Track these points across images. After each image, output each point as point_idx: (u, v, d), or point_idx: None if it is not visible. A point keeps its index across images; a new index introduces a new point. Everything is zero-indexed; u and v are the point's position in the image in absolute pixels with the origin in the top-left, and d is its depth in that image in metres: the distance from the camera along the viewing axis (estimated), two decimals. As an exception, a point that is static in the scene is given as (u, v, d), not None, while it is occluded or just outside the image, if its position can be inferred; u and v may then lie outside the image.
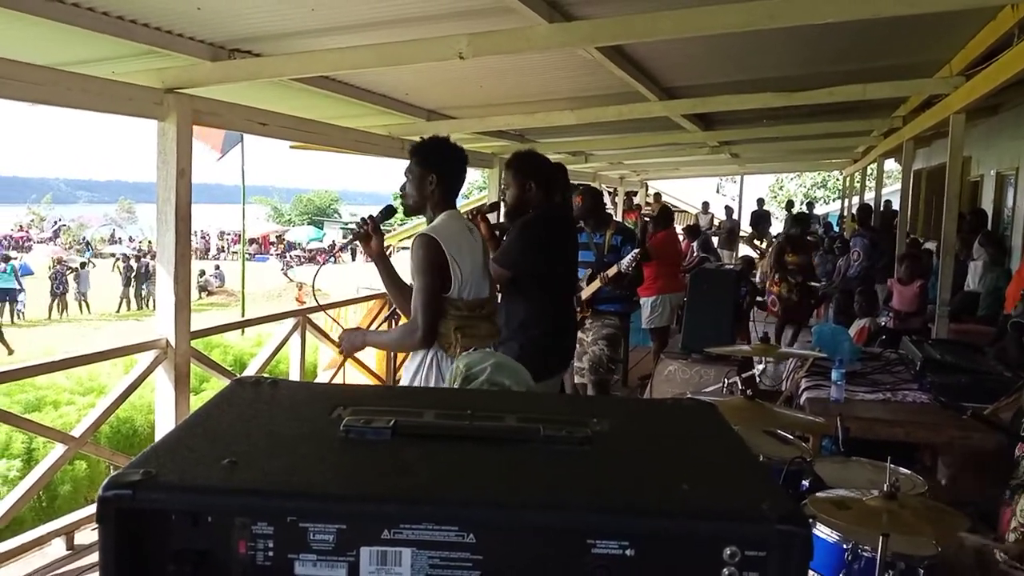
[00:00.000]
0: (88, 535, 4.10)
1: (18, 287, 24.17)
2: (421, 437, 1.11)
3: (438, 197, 3.07)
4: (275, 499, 0.93)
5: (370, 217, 3.21)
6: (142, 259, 29.52)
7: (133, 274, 28.34)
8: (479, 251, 3.10)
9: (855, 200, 15.79)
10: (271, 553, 0.93)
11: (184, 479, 0.94)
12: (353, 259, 38.29)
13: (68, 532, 4.06)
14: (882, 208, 13.13)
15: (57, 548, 4.01)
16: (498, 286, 3.73)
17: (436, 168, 3.08)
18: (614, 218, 6.08)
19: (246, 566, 0.93)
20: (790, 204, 21.09)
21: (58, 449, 4.16)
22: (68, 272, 27.08)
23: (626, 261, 5.07)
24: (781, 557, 0.90)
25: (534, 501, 0.94)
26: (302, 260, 41.51)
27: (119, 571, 0.92)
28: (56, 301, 26.02)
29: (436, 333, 2.92)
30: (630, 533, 0.91)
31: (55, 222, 50.14)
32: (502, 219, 4.00)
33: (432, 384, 2.90)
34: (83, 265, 28.75)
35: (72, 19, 3.40)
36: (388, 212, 3.35)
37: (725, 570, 0.91)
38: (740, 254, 16.57)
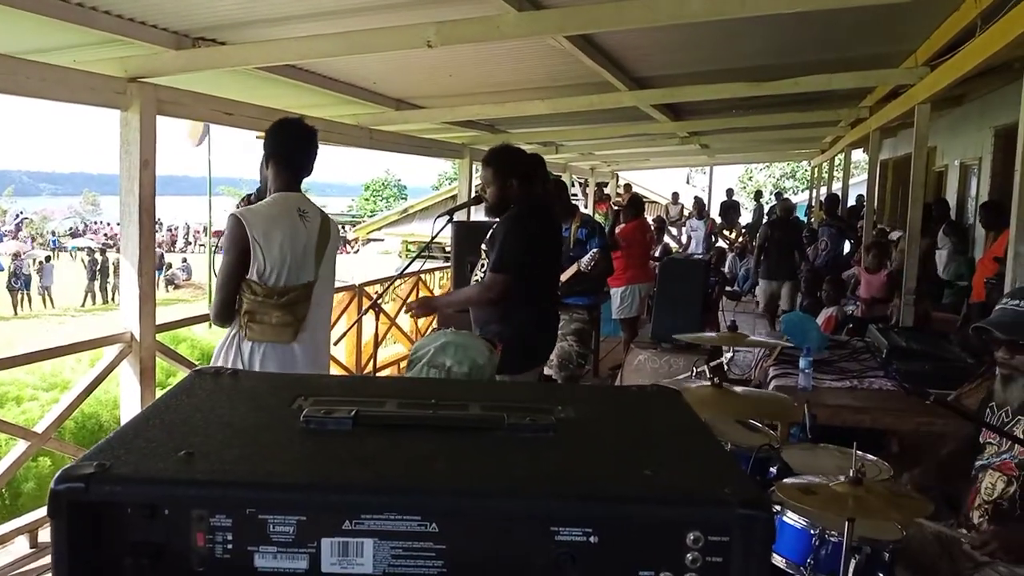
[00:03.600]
0: (52, 532, 4.04)
1: None
2: (383, 427, 1.09)
3: (273, 178, 3.10)
4: (233, 490, 0.91)
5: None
6: (107, 252, 29.07)
7: (98, 267, 27.89)
8: (303, 238, 3.05)
9: (823, 191, 15.95)
10: (230, 545, 0.91)
11: (139, 471, 0.92)
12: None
13: (32, 530, 4.00)
14: (853, 201, 13.37)
15: (20, 546, 3.95)
16: (481, 274, 3.72)
17: (268, 149, 3.11)
18: (580, 210, 6.06)
19: (205, 558, 0.91)
20: (758, 194, 21.26)
21: (20, 445, 4.09)
22: (31, 267, 26.65)
23: (585, 260, 5.05)
24: (744, 541, 0.90)
25: (497, 489, 0.93)
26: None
27: (73, 566, 0.90)
28: (16, 296, 25.58)
29: (228, 314, 3.00)
30: (593, 519, 0.91)
31: (17, 215, 49.20)
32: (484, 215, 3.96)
33: (230, 363, 2.99)
34: (48, 259, 28.27)
35: (31, 5, 3.33)
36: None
37: (689, 555, 0.91)
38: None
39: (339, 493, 0.92)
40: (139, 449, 0.98)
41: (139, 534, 0.91)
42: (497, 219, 3.81)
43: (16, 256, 27.46)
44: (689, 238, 14.40)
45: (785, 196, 17.04)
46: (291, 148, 3.13)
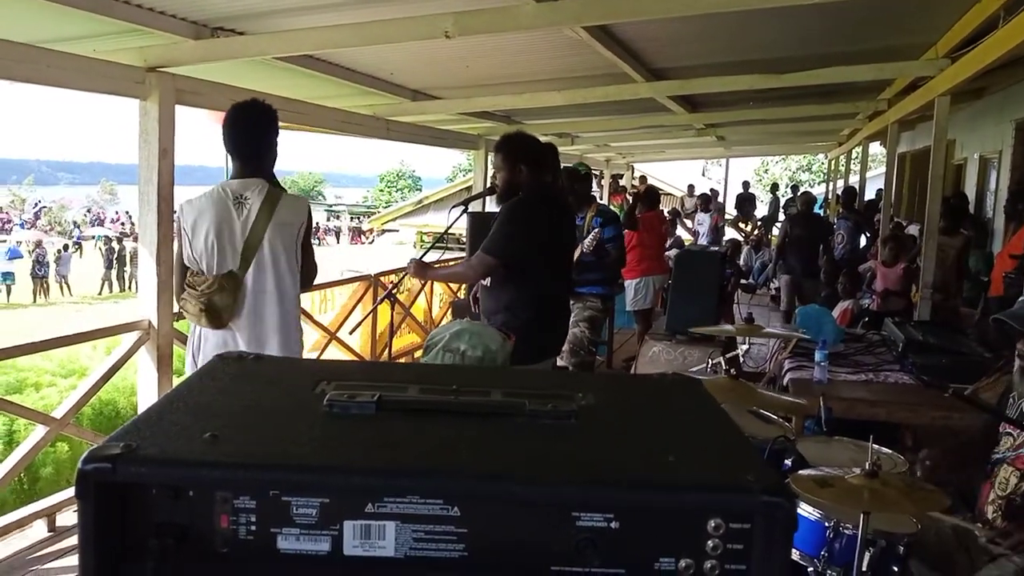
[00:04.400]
0: (70, 516, 4.08)
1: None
2: (406, 411, 1.10)
3: (230, 164, 3.19)
4: (257, 472, 0.92)
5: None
6: (124, 241, 29.26)
7: (115, 256, 28.07)
8: (233, 227, 3.05)
9: (840, 184, 15.85)
10: (254, 527, 0.92)
11: (165, 452, 0.93)
12: (338, 241, 38.17)
13: (50, 514, 4.04)
14: (872, 194, 13.28)
15: (39, 530, 3.99)
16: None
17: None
18: (596, 200, 6.04)
19: (228, 540, 0.92)
20: (774, 187, 21.15)
21: (39, 430, 4.14)
22: (49, 255, 26.89)
23: (587, 241, 5.04)
24: (766, 529, 0.90)
25: (519, 474, 0.94)
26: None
27: (99, 546, 0.91)
28: (37, 284, 25.82)
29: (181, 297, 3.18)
30: (615, 505, 0.91)
31: (36, 204, 49.59)
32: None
33: (189, 343, 3.21)
34: (66, 247, 28.48)
35: (51, -6, 3.35)
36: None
37: (710, 542, 0.91)
38: (725, 237, 16.62)
39: (362, 476, 0.92)
40: (165, 431, 0.99)
41: (164, 515, 0.91)
42: None
43: (38, 244, 27.72)
44: (696, 231, 14.49)
45: (804, 189, 16.90)
46: (236, 134, 3.12)
